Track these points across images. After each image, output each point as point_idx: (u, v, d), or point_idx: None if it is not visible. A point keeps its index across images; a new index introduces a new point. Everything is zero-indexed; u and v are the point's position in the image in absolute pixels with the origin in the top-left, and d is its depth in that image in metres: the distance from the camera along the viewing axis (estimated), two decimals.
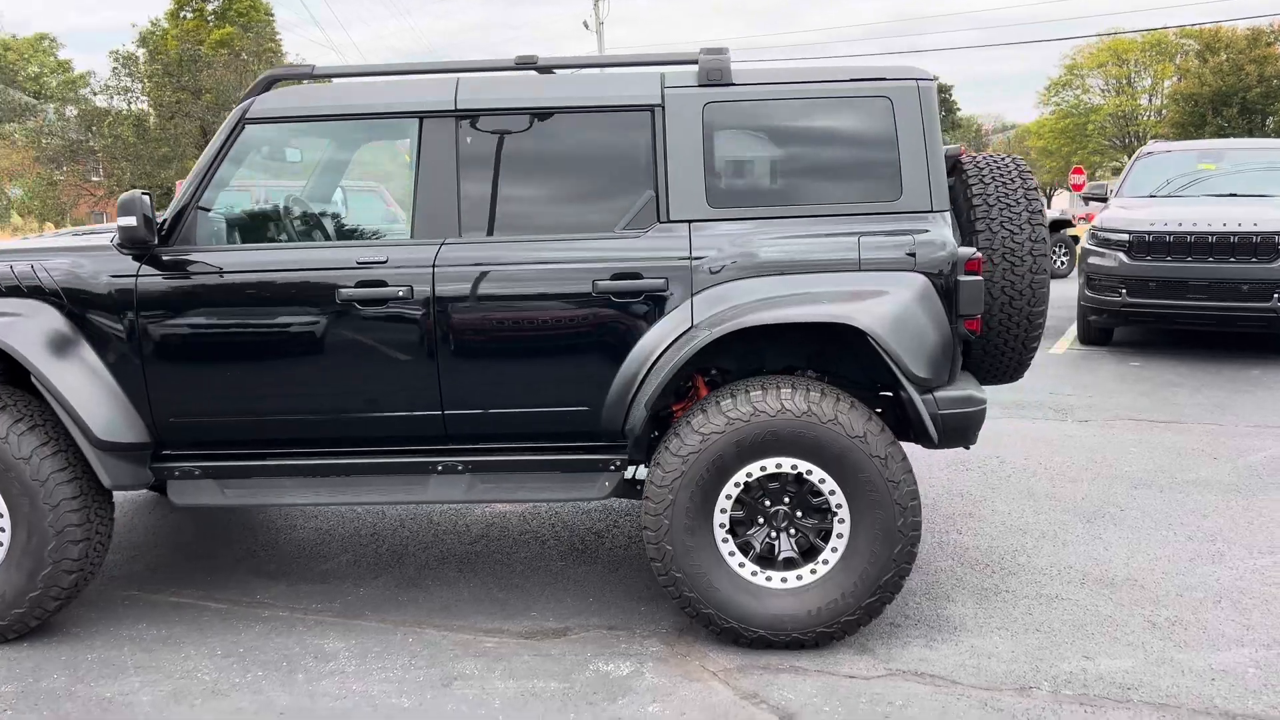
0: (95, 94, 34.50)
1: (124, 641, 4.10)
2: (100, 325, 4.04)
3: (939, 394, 3.93)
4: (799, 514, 3.90)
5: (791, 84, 4.07)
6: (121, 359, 4.04)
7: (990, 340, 4.32)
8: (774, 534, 3.92)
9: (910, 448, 4.19)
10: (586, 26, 40.01)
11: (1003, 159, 4.40)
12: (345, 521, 5.50)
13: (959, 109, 61.25)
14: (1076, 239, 17.53)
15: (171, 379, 4.05)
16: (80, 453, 4.00)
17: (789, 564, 3.91)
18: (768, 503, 3.90)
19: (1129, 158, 10.87)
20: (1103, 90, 50.73)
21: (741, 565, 3.91)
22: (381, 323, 4.00)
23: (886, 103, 4.03)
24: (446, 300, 3.96)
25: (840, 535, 3.87)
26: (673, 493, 3.83)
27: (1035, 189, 4.31)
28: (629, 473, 4.18)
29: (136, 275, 4.03)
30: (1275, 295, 9.00)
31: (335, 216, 4.65)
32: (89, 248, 4.14)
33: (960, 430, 4.00)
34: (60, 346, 3.98)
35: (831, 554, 3.89)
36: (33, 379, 3.96)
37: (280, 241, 4.46)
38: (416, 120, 4.06)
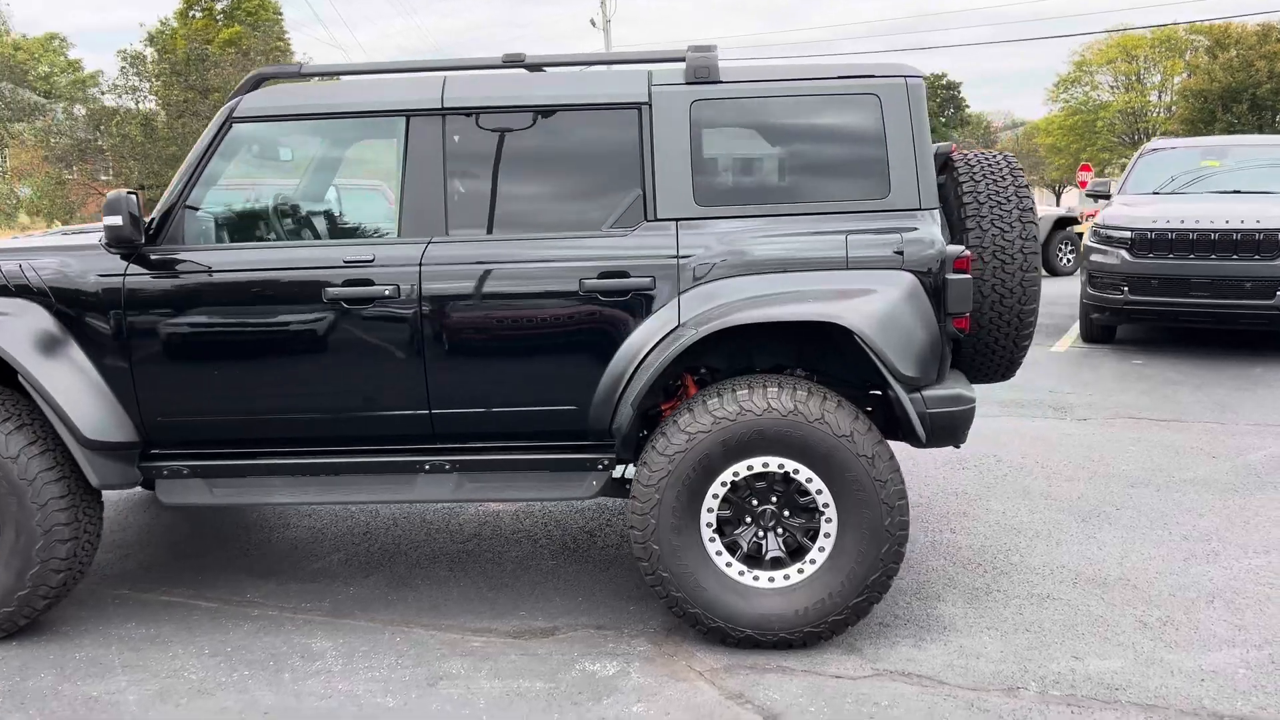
0: (103, 93, 34.59)
1: (112, 640, 4.11)
2: (88, 324, 4.04)
3: (927, 393, 3.91)
4: (786, 513, 3.88)
5: (779, 81, 4.05)
6: (109, 358, 4.04)
7: (981, 339, 4.30)
8: (761, 533, 3.90)
9: (908, 446, 4.17)
10: (594, 24, 40.09)
11: (994, 157, 4.38)
12: (338, 520, 5.51)
13: (967, 106, 61.16)
14: (1082, 235, 17.46)
15: (159, 378, 4.05)
16: (68, 452, 4.00)
17: (776, 563, 3.90)
18: (755, 502, 3.89)
19: None
20: (1112, 87, 50.54)
21: (729, 565, 3.90)
22: (368, 322, 3.99)
23: (874, 100, 4.01)
24: (433, 299, 3.95)
25: (827, 535, 3.85)
26: (659, 492, 3.82)
27: (1026, 187, 4.28)
28: (618, 472, 4.17)
29: (124, 274, 4.03)
30: (1278, 293, 8.95)
31: (325, 215, 4.64)
32: (77, 247, 4.15)
33: (949, 429, 3.98)
34: (48, 346, 3.98)
35: (819, 553, 3.87)
36: (20, 378, 3.97)
37: (268, 240, 4.46)
38: (403, 119, 4.05)
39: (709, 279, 3.93)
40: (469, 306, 3.97)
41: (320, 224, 4.60)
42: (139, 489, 4.39)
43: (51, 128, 32.53)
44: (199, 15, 41.64)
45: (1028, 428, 7.20)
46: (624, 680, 3.72)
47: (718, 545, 3.89)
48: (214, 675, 3.81)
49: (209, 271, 4.03)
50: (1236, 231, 9.04)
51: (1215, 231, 9.10)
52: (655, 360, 3.85)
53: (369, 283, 3.96)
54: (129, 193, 3.86)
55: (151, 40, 33.83)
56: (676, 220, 3.98)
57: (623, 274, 3.94)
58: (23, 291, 4.05)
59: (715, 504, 3.86)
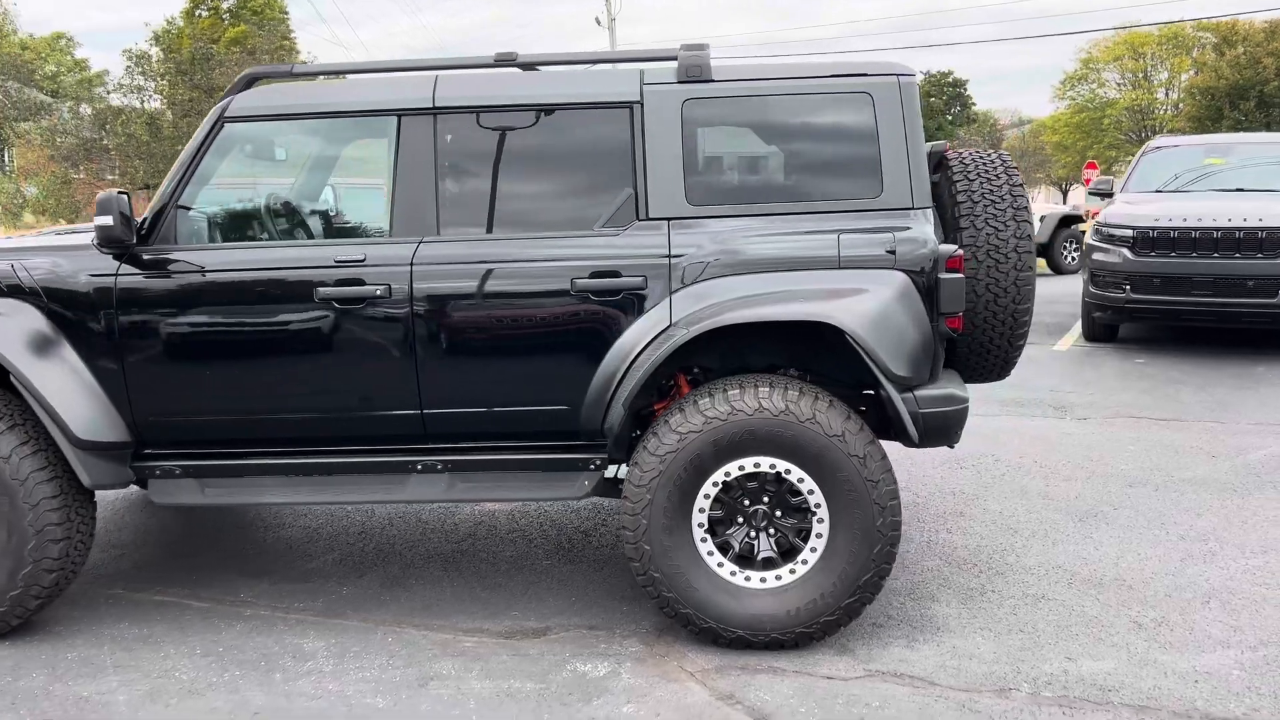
0: (109, 92, 34.65)
1: (105, 640, 4.11)
2: (80, 324, 4.04)
3: (920, 393, 3.90)
4: (778, 513, 3.87)
5: (771, 80, 4.04)
6: (101, 358, 4.04)
7: (976, 338, 4.28)
8: (753, 534, 3.89)
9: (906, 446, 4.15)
10: (598, 23, 40.06)
11: (988, 155, 4.36)
12: (334, 520, 5.51)
13: (974, 103, 60.99)
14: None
15: (151, 378, 4.05)
16: (60, 452, 4.00)
17: (768, 564, 3.88)
18: (747, 502, 3.87)
19: None
20: (1119, 84, 50.42)
21: (720, 565, 3.88)
22: (360, 321, 3.98)
23: (867, 99, 3.99)
24: (424, 299, 3.95)
25: (819, 535, 3.84)
26: (650, 492, 3.81)
27: (1021, 185, 4.26)
28: (611, 472, 4.17)
29: (116, 274, 4.03)
30: None
31: (317, 214, 4.64)
32: (69, 247, 4.15)
33: (942, 429, 3.96)
34: (40, 346, 3.98)
35: (810, 554, 3.86)
36: (11, 378, 3.97)
37: (261, 240, 4.45)
38: (395, 118, 4.04)
39: (701, 278, 3.92)
40: (460, 306, 3.96)
41: (312, 223, 4.60)
42: (136, 488, 4.39)
43: (57, 127, 32.59)
44: (205, 14, 41.72)
45: (1027, 427, 7.18)
46: (615, 681, 3.71)
47: (709, 545, 3.88)
48: (205, 675, 3.81)
49: (200, 271, 4.02)
50: (1239, 230, 9.00)
51: (1218, 230, 9.07)
52: (647, 360, 3.84)
53: (360, 282, 3.95)
54: (119, 193, 3.86)
55: (157, 39, 33.89)
56: (668, 220, 3.97)
57: (614, 274, 3.93)
58: (15, 292, 4.05)
59: (707, 504, 3.85)
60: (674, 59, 4.07)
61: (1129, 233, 9.47)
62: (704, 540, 3.87)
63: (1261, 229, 8.94)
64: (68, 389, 3.98)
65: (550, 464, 4.09)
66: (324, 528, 5.39)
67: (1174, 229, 9.24)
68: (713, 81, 4.02)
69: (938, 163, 4.43)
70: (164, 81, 31.68)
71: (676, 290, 3.92)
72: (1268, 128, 40.16)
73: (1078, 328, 11.00)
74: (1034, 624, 4.09)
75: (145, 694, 3.69)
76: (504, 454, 4.09)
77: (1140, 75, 49.55)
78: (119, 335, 4.02)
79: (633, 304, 3.93)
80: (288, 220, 4.60)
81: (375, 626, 4.20)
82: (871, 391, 4.28)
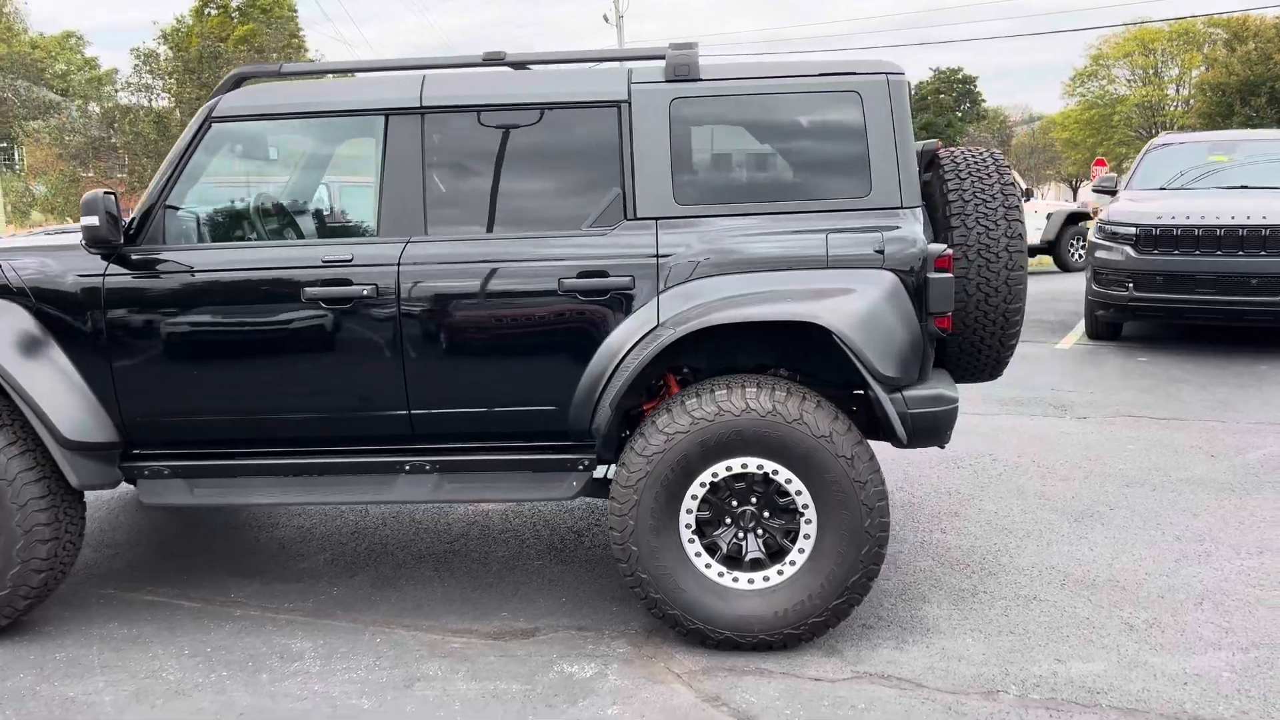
0: (117, 91, 34.77)
1: (94, 640, 4.11)
2: (68, 324, 4.04)
3: (908, 393, 3.87)
4: (766, 514, 3.85)
5: (759, 79, 4.02)
6: (89, 358, 4.04)
7: (967, 338, 4.26)
8: (741, 534, 3.87)
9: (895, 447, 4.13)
10: (606, 20, 40.06)
11: (980, 154, 4.33)
12: (327, 520, 5.50)
13: (983, 100, 60.80)
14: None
15: (139, 378, 4.05)
16: (48, 452, 4.00)
17: (756, 565, 3.87)
18: (735, 503, 3.86)
19: None
20: (1129, 80, 50.21)
21: (708, 566, 3.87)
22: (347, 321, 3.98)
23: (855, 97, 3.97)
24: (411, 298, 3.94)
25: (807, 536, 3.82)
26: (637, 493, 3.80)
27: (1012, 184, 4.23)
28: (600, 472, 4.15)
29: (104, 274, 4.03)
30: None
31: (305, 214, 4.63)
32: (57, 247, 4.15)
33: (930, 430, 3.94)
34: (27, 346, 3.98)
35: (798, 555, 3.84)
36: None
37: (249, 240, 4.45)
38: (382, 117, 4.03)
39: (688, 278, 3.91)
40: (447, 306, 3.95)
41: (300, 223, 4.59)
42: (130, 488, 4.40)
43: (65, 125, 32.68)
44: (214, 12, 41.79)
45: (1026, 426, 7.14)
46: (601, 682, 3.70)
47: (697, 546, 3.86)
48: (191, 676, 3.81)
49: (188, 271, 4.02)
50: (1242, 227, 8.94)
51: (1221, 227, 9.01)
52: (633, 360, 3.82)
53: (347, 282, 3.94)
54: (105, 193, 3.86)
55: (165, 38, 33.96)
56: (656, 219, 3.95)
57: (602, 273, 3.92)
58: (3, 292, 4.05)
59: (694, 505, 3.84)
60: (662, 58, 4.05)
61: (1132, 230, 9.41)
62: (691, 541, 3.86)
63: (1265, 226, 8.88)
64: (55, 389, 3.98)
65: (539, 464, 4.08)
66: (317, 527, 5.39)
67: (1177, 226, 9.19)
68: (700, 80, 4.00)
69: (929, 161, 4.40)
70: (172, 80, 31.75)
71: (664, 290, 3.91)
72: (1279, 124, 39.96)
73: (1081, 326, 10.94)
74: (1025, 625, 4.07)
75: (131, 695, 3.69)
76: (492, 454, 4.08)
77: (1151, 71, 49.35)
78: (107, 335, 4.02)
79: (620, 304, 3.92)
80: (276, 220, 4.60)
81: (364, 627, 4.19)
82: (861, 392, 4.25)
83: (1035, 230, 19.03)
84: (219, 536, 5.32)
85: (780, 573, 3.85)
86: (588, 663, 3.85)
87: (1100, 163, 26.79)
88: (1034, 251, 19.60)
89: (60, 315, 4.04)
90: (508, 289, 3.95)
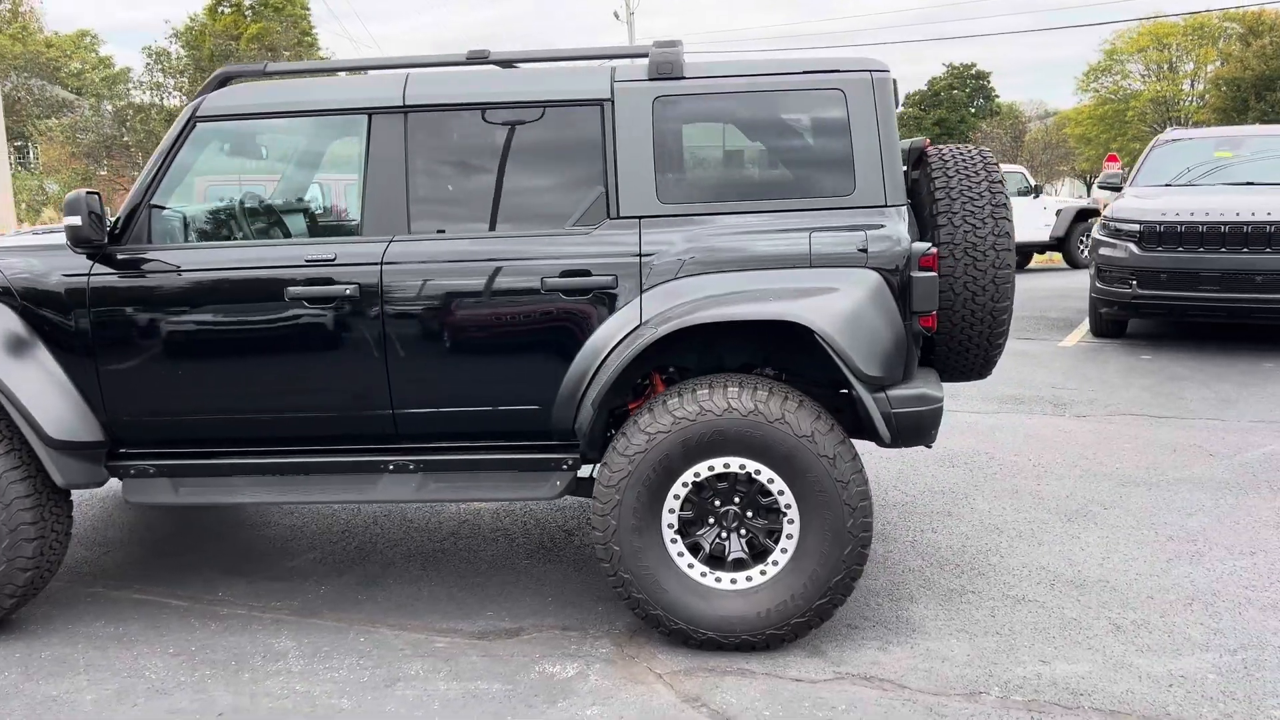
0: (130, 89, 34.92)
1: (79, 639, 4.12)
2: (53, 324, 4.05)
3: (892, 392, 3.85)
4: (749, 514, 3.84)
5: (743, 77, 4.00)
6: (75, 358, 4.05)
7: (954, 337, 4.22)
8: (724, 534, 3.86)
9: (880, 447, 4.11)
10: (617, 17, 40.01)
11: (968, 151, 4.30)
12: (319, 518, 5.51)
13: (997, 95, 60.53)
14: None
15: (124, 378, 4.06)
16: (34, 451, 4.01)
17: (739, 565, 3.85)
18: (717, 503, 3.84)
19: None
20: (1143, 76, 49.92)
21: (691, 566, 3.86)
22: (330, 320, 3.97)
23: (839, 95, 3.94)
24: (394, 298, 3.93)
25: (790, 536, 3.81)
26: (620, 493, 3.79)
27: (1000, 182, 4.20)
28: (586, 471, 4.14)
29: (89, 274, 4.04)
30: None
31: (289, 213, 4.63)
32: (43, 247, 4.16)
33: (915, 429, 3.91)
34: (12, 345, 3.99)
35: (781, 555, 3.82)
36: None
37: (234, 239, 4.45)
38: (366, 116, 4.03)
39: (671, 277, 3.89)
40: (430, 305, 3.94)
41: (285, 222, 4.59)
42: None
43: (78, 124, 32.84)
44: (227, 11, 41.89)
45: (1024, 424, 7.10)
46: (582, 683, 3.69)
47: (679, 546, 3.85)
48: (174, 675, 3.82)
49: (172, 271, 4.03)
50: (1247, 224, 8.88)
51: (1225, 224, 8.94)
52: (616, 360, 3.81)
53: (330, 281, 3.94)
54: (88, 193, 3.86)
55: (177, 36, 34.08)
56: (639, 218, 3.94)
57: (585, 273, 3.90)
58: None
59: (677, 505, 3.82)
60: (646, 56, 4.04)
61: (1136, 227, 9.36)
62: (674, 541, 3.85)
63: (1270, 223, 8.81)
64: (41, 389, 3.99)
65: (523, 464, 4.07)
66: (308, 526, 5.39)
67: (1181, 223, 9.13)
68: (684, 79, 3.99)
69: (917, 159, 4.38)
70: (184, 78, 31.87)
71: (647, 289, 3.89)
72: None
73: (1086, 323, 10.88)
74: (1011, 626, 4.05)
75: (113, 694, 3.69)
76: (476, 454, 4.07)
77: (1165, 66, 49.05)
78: (92, 335, 4.03)
79: (603, 303, 3.91)
80: (260, 219, 4.60)
81: (349, 626, 4.19)
82: (848, 391, 4.23)
83: (1045, 227, 18.97)
84: (211, 535, 5.33)
85: (763, 573, 3.84)
86: (570, 663, 3.84)
87: (1112, 158, 26.60)
88: (1043, 248, 19.54)
89: (45, 314, 4.05)
90: (490, 288, 3.94)
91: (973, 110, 57.92)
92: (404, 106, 4.00)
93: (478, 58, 4.18)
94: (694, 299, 3.84)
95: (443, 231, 4.01)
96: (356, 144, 4.07)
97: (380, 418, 4.03)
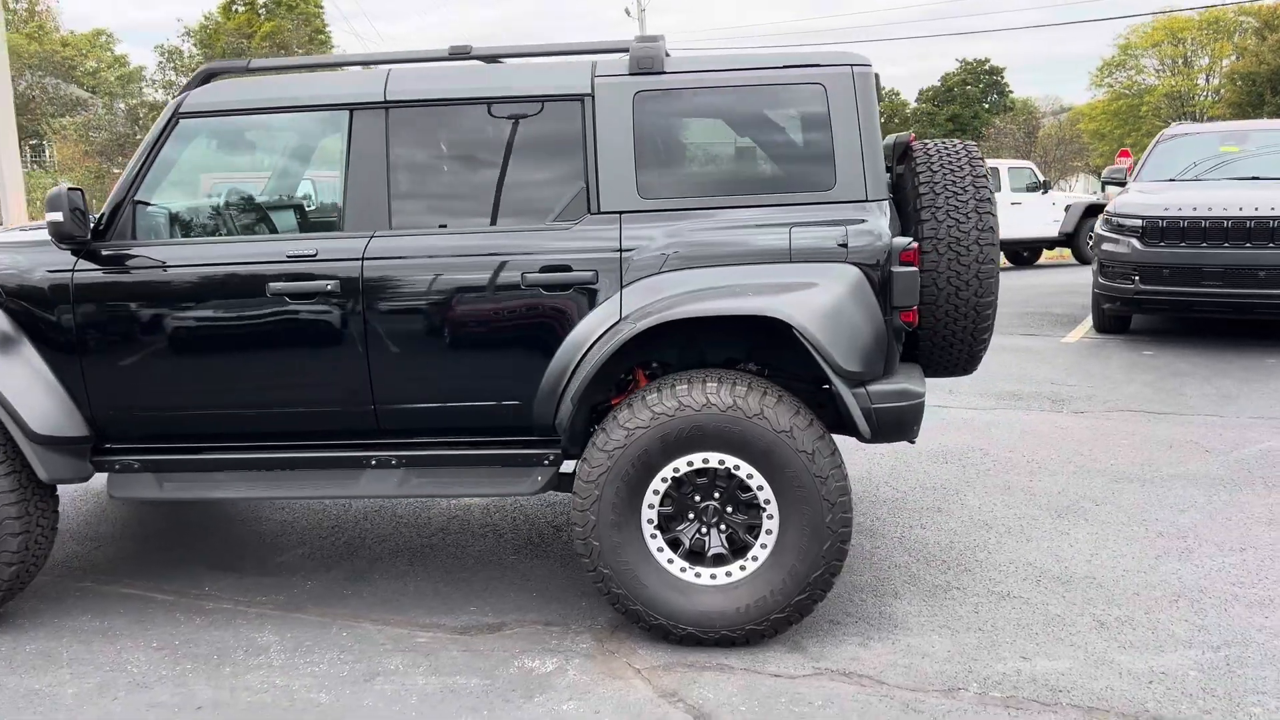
0: (143, 88, 35.11)
1: (65, 633, 4.14)
2: (37, 319, 4.07)
3: (872, 387, 3.83)
4: (729, 510, 3.83)
5: (723, 72, 3.99)
6: (59, 353, 4.07)
7: (938, 332, 4.21)
8: (704, 530, 3.85)
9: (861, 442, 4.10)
10: (628, 14, 40.03)
11: (953, 145, 4.28)
12: (310, 514, 5.53)
13: (1011, 91, 60.25)
14: None
15: (108, 373, 4.07)
16: (18, 446, 4.03)
17: (719, 560, 3.85)
18: (697, 498, 3.84)
19: None
20: (1157, 70, 49.62)
21: (670, 561, 3.85)
22: (312, 316, 3.98)
23: (820, 90, 3.93)
24: (375, 293, 3.94)
25: (769, 531, 3.80)
26: (599, 488, 3.79)
27: (985, 177, 4.18)
28: (569, 467, 4.14)
29: (73, 270, 4.06)
30: None
31: (273, 208, 4.65)
32: (27, 243, 4.18)
33: (896, 424, 3.89)
34: None
35: (761, 550, 3.82)
36: None
37: (217, 235, 4.47)
38: (347, 112, 4.04)
39: (652, 273, 3.88)
40: (410, 301, 3.95)
41: (267, 217, 4.60)
42: None
43: (91, 122, 33.02)
44: (241, 9, 42.04)
45: (1021, 420, 7.07)
46: (560, 678, 3.69)
47: (659, 542, 3.85)
48: (156, 669, 3.83)
49: (155, 267, 4.04)
50: (1250, 219, 8.82)
51: (1228, 219, 8.89)
52: (595, 355, 3.81)
53: (311, 277, 3.95)
54: (70, 189, 3.88)
55: (189, 34, 34.24)
56: (620, 214, 3.93)
57: (565, 268, 3.90)
58: None
59: (656, 500, 3.82)
60: (626, 51, 4.03)
61: (1138, 222, 9.31)
62: (654, 536, 3.84)
63: (1273, 218, 8.75)
64: (25, 384, 4.01)
65: (504, 459, 4.07)
66: (298, 521, 5.41)
67: (1184, 218, 9.07)
68: (664, 74, 3.98)
69: (902, 154, 4.36)
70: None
71: (628, 284, 3.89)
72: None
73: (1090, 319, 10.83)
74: (994, 622, 4.03)
75: (94, 687, 3.71)
76: (458, 449, 4.08)
77: (1180, 61, 48.72)
78: (76, 330, 4.05)
79: (583, 299, 3.91)
80: (243, 215, 4.62)
81: (332, 621, 4.21)
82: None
83: (1054, 222, 18.91)
84: (202, 530, 5.35)
85: (743, 568, 3.83)
86: (550, 658, 3.84)
87: (1124, 154, 26.47)
88: (1052, 244, 19.47)
89: (29, 310, 4.07)
90: (471, 283, 3.94)
91: (986, 106, 57.67)
92: (385, 102, 4.01)
93: (460, 53, 4.18)
94: (674, 294, 3.84)
95: (423, 227, 4.01)
96: (338, 140, 4.07)
97: (362, 413, 4.04)
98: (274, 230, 4.58)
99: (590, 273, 3.89)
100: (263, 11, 41.68)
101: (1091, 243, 18.09)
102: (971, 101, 58.59)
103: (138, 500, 4.29)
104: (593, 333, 3.88)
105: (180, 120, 4.09)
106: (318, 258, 3.97)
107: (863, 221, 3.87)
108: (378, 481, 4.07)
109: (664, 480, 3.81)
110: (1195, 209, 9.06)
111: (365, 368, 3.99)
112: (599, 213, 3.94)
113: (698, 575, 3.85)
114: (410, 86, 4.03)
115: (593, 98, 3.97)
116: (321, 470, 4.11)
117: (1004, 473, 5.90)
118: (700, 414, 3.72)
